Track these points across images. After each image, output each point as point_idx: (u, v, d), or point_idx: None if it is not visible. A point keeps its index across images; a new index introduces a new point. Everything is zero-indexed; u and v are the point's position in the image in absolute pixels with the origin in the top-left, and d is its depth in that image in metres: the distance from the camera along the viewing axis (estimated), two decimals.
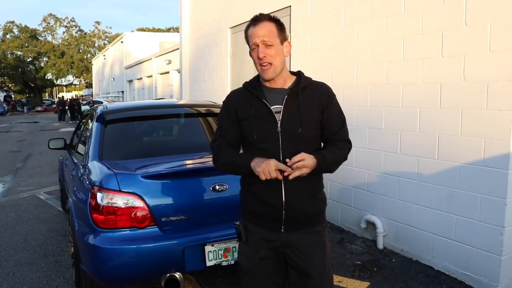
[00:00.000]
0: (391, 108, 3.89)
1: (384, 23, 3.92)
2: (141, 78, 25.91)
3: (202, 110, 4.08)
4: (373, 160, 4.10)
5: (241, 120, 1.87)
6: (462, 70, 3.23)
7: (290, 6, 5.28)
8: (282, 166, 1.71)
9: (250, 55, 1.87)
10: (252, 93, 1.86)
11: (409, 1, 3.67)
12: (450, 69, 3.32)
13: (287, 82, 1.88)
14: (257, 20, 1.79)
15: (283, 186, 1.81)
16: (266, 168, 1.70)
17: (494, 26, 2.99)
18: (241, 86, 1.97)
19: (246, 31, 1.84)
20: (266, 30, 1.77)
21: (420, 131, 3.60)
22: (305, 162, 1.69)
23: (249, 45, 1.84)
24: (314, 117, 1.83)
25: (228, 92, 2.03)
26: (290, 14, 5.22)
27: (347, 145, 1.91)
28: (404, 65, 3.73)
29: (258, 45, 1.77)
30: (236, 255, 2.79)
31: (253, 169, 1.75)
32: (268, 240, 1.88)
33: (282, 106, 1.82)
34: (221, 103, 2.01)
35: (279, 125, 1.80)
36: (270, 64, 1.78)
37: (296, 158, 1.69)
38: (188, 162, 3.22)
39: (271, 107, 1.82)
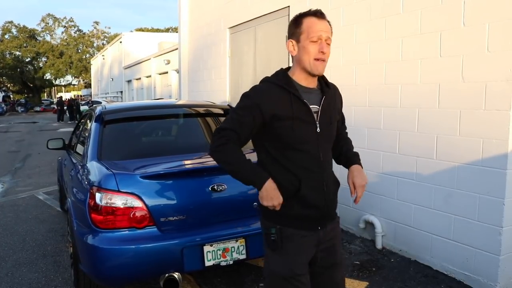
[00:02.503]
0: (389, 108, 3.89)
1: (382, 24, 3.93)
2: (140, 78, 25.90)
3: (201, 110, 4.08)
4: (372, 160, 4.11)
5: (277, 120, 1.75)
6: (460, 70, 3.23)
7: (288, 6, 5.28)
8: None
9: (296, 44, 1.79)
10: (289, 92, 1.78)
11: (407, 2, 3.67)
12: (448, 70, 3.33)
13: (316, 82, 1.89)
14: (322, 15, 1.78)
15: (324, 186, 1.85)
16: (271, 205, 1.73)
17: (492, 26, 3.00)
18: (262, 83, 1.87)
19: (301, 20, 1.78)
20: (329, 29, 1.79)
21: (419, 131, 3.61)
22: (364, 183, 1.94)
23: (299, 34, 1.77)
24: (337, 117, 1.96)
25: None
26: (289, 15, 5.22)
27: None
28: (402, 66, 3.73)
29: (322, 40, 1.75)
30: (234, 255, 2.80)
31: (260, 195, 1.74)
32: (309, 240, 1.85)
33: (320, 107, 1.82)
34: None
35: (318, 125, 1.81)
36: (324, 61, 1.79)
37: (362, 190, 1.92)
38: (187, 162, 3.22)
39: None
